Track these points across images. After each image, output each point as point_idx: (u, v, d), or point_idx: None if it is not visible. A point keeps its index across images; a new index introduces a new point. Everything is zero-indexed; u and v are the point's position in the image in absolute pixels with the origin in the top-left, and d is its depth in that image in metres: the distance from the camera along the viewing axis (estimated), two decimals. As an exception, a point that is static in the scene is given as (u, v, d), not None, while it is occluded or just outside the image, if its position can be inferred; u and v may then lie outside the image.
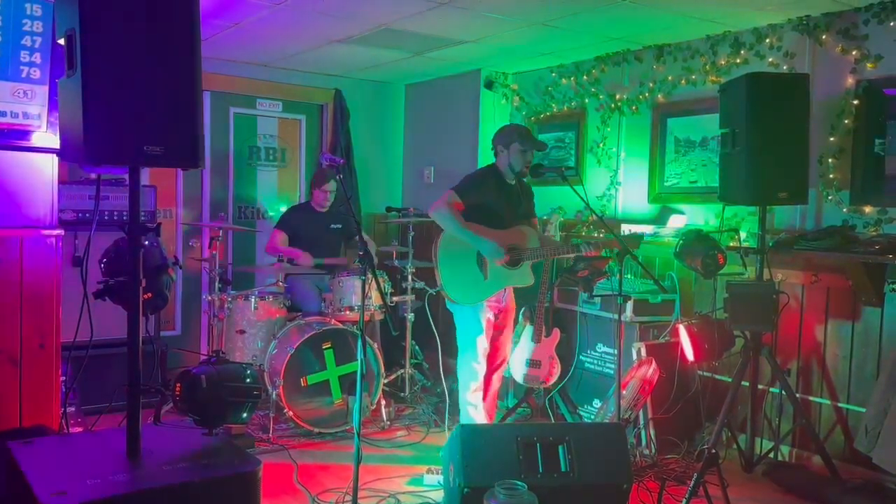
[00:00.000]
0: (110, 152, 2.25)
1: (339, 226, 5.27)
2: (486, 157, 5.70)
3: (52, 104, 3.16)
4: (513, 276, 3.86)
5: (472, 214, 3.83)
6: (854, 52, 3.85)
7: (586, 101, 5.31)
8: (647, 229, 4.61)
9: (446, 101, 6.22)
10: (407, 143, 6.72)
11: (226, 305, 4.57)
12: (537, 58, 5.34)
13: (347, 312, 4.67)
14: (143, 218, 3.21)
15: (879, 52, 3.77)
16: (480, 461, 2.86)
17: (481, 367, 3.91)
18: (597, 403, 4.49)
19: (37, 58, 3.17)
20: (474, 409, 3.93)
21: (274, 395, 4.27)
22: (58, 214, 3.41)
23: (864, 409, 3.64)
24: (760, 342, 3.85)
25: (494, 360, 4.06)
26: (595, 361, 4.55)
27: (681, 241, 3.96)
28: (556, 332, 4.47)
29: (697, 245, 3.86)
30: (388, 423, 4.56)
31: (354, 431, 2.98)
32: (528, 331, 4.50)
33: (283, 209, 5.70)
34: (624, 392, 3.94)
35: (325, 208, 5.20)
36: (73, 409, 3.69)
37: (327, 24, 4.57)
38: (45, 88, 3.19)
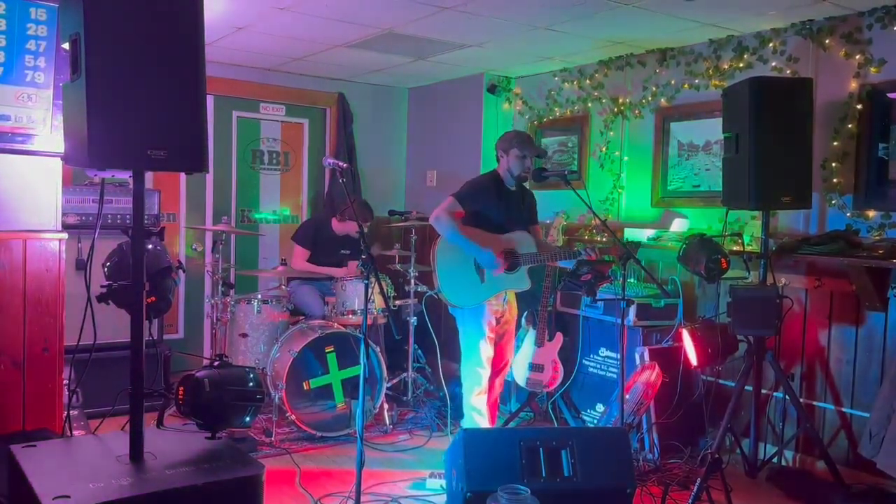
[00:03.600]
0: (114, 156, 2.25)
1: (348, 251, 5.30)
2: (488, 161, 5.71)
3: (57, 108, 3.17)
4: (509, 280, 3.86)
5: (473, 220, 3.85)
6: (857, 57, 3.85)
7: (589, 105, 5.31)
8: (649, 233, 4.61)
9: (449, 105, 6.22)
10: (410, 146, 6.74)
11: (228, 309, 4.58)
12: (540, 62, 5.34)
13: (350, 316, 4.67)
14: (146, 221, 3.22)
15: (883, 56, 3.76)
16: (483, 465, 2.86)
17: (485, 371, 3.91)
18: (600, 408, 4.48)
19: (41, 62, 3.18)
20: (478, 413, 3.93)
21: (277, 399, 4.27)
22: (61, 218, 3.42)
23: (868, 414, 3.63)
24: (764, 347, 3.84)
25: (497, 364, 4.05)
26: (598, 365, 4.55)
27: (684, 246, 3.96)
28: (559, 336, 4.47)
29: (700, 249, 3.86)
30: (391, 426, 4.56)
31: (357, 435, 2.98)
32: (530, 335, 4.49)
33: (303, 221, 5.78)
34: (627, 396, 3.93)
35: (342, 234, 5.25)
36: (76, 412, 3.69)
37: (331, 28, 4.58)
38: (50, 92, 3.20)
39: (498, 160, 4.00)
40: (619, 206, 5.11)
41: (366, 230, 4.85)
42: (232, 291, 4.75)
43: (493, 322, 3.93)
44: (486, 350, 3.89)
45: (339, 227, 5.26)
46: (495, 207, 3.89)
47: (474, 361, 3.89)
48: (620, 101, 5.06)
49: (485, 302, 3.87)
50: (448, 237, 3.81)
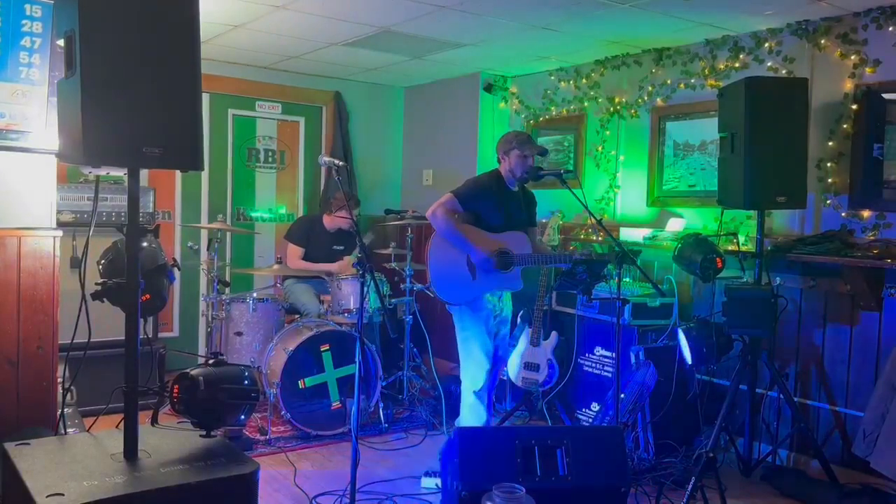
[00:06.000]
0: (109, 154, 2.25)
1: (342, 247, 5.32)
2: (485, 161, 5.71)
3: (51, 105, 3.15)
4: (501, 279, 3.85)
5: (471, 219, 3.83)
6: (853, 57, 3.86)
7: (585, 104, 5.31)
8: (645, 232, 4.62)
9: (445, 104, 6.22)
10: (406, 145, 6.73)
11: (224, 307, 4.57)
12: (536, 61, 5.35)
13: (346, 315, 4.67)
14: (141, 219, 3.21)
15: (878, 56, 3.78)
16: (478, 464, 2.86)
17: (485, 367, 3.88)
18: (595, 407, 4.49)
19: (36, 59, 3.17)
20: (479, 409, 3.91)
21: (272, 398, 4.26)
22: (56, 215, 3.40)
23: (862, 414, 3.64)
24: (759, 346, 3.85)
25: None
26: (593, 365, 4.55)
27: (679, 245, 3.96)
28: (554, 335, 4.47)
29: (696, 248, 3.86)
30: (386, 425, 4.56)
31: (352, 434, 2.98)
32: (526, 334, 4.50)
33: (296, 219, 5.79)
34: (622, 395, 3.94)
35: (334, 230, 5.26)
36: (70, 410, 3.68)
37: (327, 26, 4.58)
38: (45, 89, 3.19)
39: (499, 162, 3.98)
40: (615, 206, 5.12)
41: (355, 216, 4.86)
42: (227, 289, 4.74)
43: (491, 317, 3.92)
44: (487, 345, 3.87)
45: (330, 221, 5.27)
46: (495, 208, 3.88)
47: (474, 357, 3.87)
48: (617, 100, 5.07)
49: (481, 298, 3.86)
50: (443, 233, 3.81)
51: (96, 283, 2.54)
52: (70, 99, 2.26)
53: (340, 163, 3.33)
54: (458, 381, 4.09)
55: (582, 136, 5.37)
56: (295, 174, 6.34)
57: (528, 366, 4.46)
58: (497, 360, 4.09)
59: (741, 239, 4.16)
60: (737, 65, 4.35)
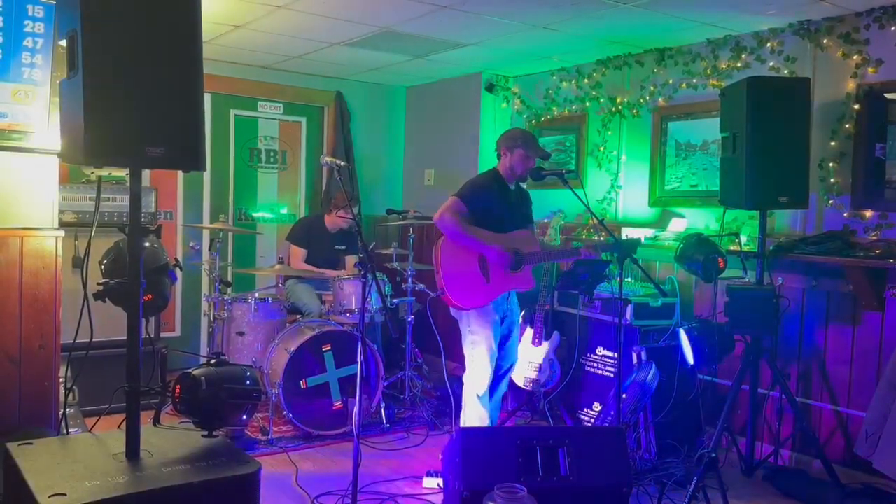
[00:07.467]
0: (111, 154, 2.25)
1: (343, 247, 5.32)
2: (486, 160, 5.70)
3: (54, 105, 3.16)
4: (514, 280, 3.84)
5: (475, 220, 3.82)
6: (855, 57, 3.86)
7: (587, 104, 5.31)
8: (647, 233, 4.62)
9: (447, 104, 6.22)
10: (408, 145, 6.73)
11: (226, 307, 4.57)
12: (538, 61, 5.34)
13: (347, 315, 4.67)
14: (143, 219, 3.21)
15: (880, 56, 3.77)
16: (480, 464, 2.86)
17: (489, 371, 3.87)
18: (597, 407, 4.48)
19: (38, 59, 3.17)
20: (482, 414, 3.89)
21: (273, 398, 4.26)
22: (58, 215, 3.41)
23: (864, 414, 3.63)
24: (761, 346, 3.84)
25: (503, 364, 4.02)
26: (595, 365, 4.54)
27: (681, 245, 3.96)
28: (556, 336, 4.47)
29: (698, 248, 3.86)
30: (388, 425, 4.56)
31: (354, 434, 2.98)
32: (528, 334, 4.49)
33: (297, 220, 5.78)
34: (624, 396, 3.94)
35: (335, 230, 5.26)
36: (72, 410, 3.68)
37: (329, 26, 4.58)
38: (47, 90, 3.20)
39: (500, 157, 3.95)
40: (617, 206, 5.12)
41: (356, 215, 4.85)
42: (229, 290, 4.75)
43: (499, 322, 3.90)
44: (492, 350, 3.84)
45: (331, 222, 5.27)
46: (497, 207, 3.86)
47: (479, 362, 3.84)
48: (618, 100, 5.06)
49: (494, 300, 3.84)
50: (453, 237, 3.78)
51: (98, 283, 2.54)
52: (72, 99, 2.26)
53: (342, 163, 3.33)
54: (460, 383, 4.08)
55: (584, 135, 5.36)
56: (297, 174, 6.34)
57: (530, 366, 4.45)
58: (510, 364, 4.06)
59: (743, 239, 4.16)
60: (739, 65, 4.35)
